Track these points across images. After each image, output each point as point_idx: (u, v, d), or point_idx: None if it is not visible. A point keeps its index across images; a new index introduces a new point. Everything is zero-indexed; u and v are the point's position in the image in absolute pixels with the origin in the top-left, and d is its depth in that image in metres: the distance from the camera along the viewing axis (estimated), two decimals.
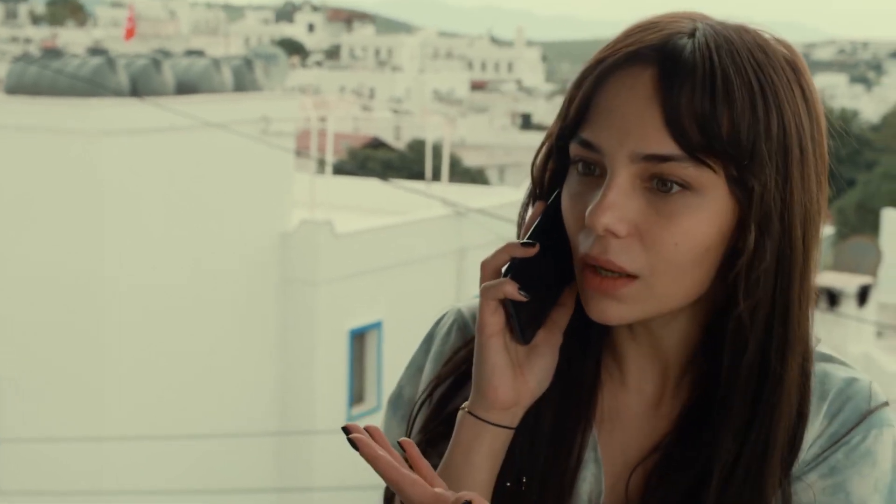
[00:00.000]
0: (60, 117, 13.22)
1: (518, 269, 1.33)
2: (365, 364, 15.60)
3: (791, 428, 1.31)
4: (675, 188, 1.26)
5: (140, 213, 13.24)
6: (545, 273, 1.34)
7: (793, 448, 1.31)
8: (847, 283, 14.81)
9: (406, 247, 15.72)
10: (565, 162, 1.34)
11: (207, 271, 13.95)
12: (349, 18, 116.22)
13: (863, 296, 14.76)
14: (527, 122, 62.30)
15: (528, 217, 1.40)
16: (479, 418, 1.35)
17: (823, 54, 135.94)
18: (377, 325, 15.58)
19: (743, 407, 1.30)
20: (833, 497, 1.31)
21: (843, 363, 1.36)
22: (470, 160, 42.30)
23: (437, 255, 15.98)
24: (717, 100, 1.24)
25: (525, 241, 1.34)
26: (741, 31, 1.30)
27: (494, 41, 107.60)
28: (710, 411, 1.32)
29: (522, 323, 1.33)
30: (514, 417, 1.36)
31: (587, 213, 1.27)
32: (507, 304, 1.33)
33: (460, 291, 15.78)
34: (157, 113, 12.99)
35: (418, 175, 25.02)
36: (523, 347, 1.35)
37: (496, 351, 1.33)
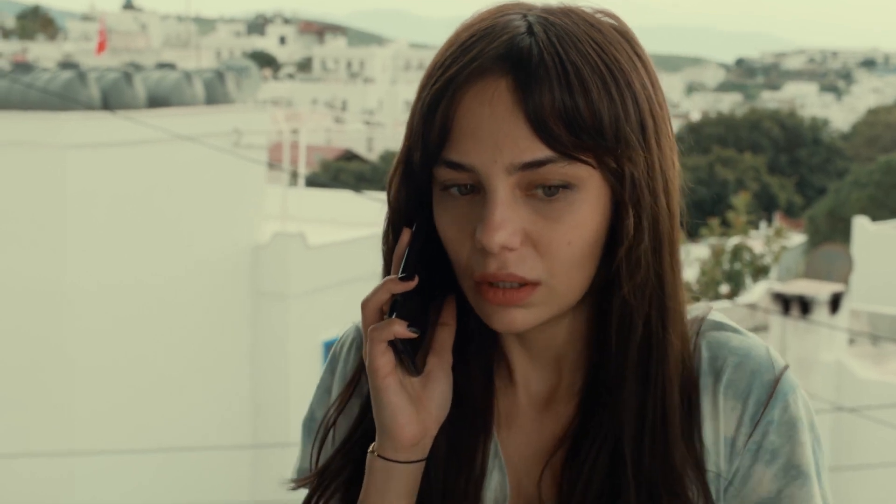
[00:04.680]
0: (31, 131, 13.15)
1: (400, 304, 1.32)
2: None
3: (683, 390, 1.31)
4: (557, 190, 1.26)
5: (112, 226, 13.19)
6: (422, 300, 1.33)
7: (690, 411, 1.31)
8: (819, 290, 14.85)
9: (379, 259, 15.69)
10: (423, 185, 1.32)
11: (179, 284, 13.91)
12: (321, 31, 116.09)
13: (835, 303, 14.80)
14: None
15: (396, 248, 1.38)
16: (391, 460, 1.34)
17: (794, 63, 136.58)
18: None
19: (635, 382, 1.30)
20: (787, 475, 1.30)
21: (734, 330, 1.36)
22: None
23: None
24: (575, 93, 1.24)
25: (402, 274, 1.33)
26: (569, 13, 1.29)
27: None
28: (605, 396, 1.32)
29: (412, 356, 1.32)
30: (423, 449, 1.35)
31: (478, 234, 1.25)
32: (396, 342, 1.31)
33: None
34: (128, 126, 12.95)
35: None
36: (418, 379, 1.34)
37: (394, 391, 1.32)
